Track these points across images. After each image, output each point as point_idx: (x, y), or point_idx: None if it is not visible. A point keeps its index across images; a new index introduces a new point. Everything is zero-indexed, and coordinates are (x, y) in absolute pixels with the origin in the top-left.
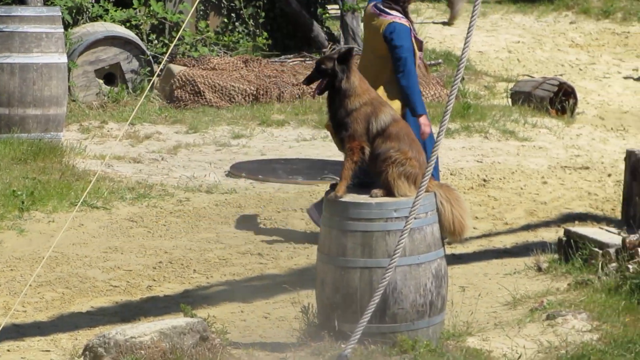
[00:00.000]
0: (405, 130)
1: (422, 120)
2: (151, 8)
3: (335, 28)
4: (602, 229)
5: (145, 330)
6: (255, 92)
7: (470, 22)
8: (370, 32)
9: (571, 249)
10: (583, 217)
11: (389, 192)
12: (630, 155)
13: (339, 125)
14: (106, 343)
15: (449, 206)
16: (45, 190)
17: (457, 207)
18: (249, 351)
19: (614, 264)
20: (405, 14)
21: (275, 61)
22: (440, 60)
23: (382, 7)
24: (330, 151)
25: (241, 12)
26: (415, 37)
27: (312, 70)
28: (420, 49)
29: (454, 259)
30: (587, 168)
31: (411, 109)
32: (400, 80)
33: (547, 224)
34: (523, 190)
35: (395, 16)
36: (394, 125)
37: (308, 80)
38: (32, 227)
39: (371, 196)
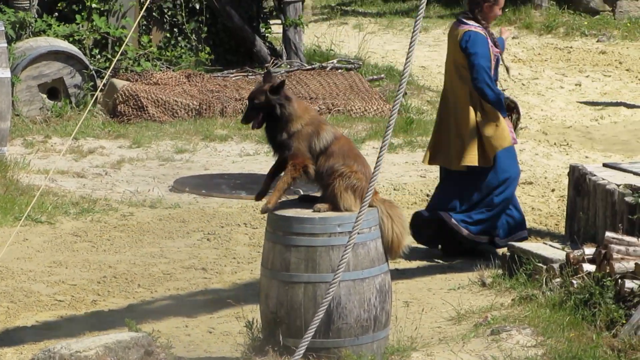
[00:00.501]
0: (348, 146)
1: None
2: (94, 23)
3: (278, 43)
4: (546, 244)
5: (90, 344)
6: (198, 106)
7: (411, 37)
8: (451, 45)
9: (515, 264)
10: (527, 232)
11: (335, 205)
12: (573, 170)
13: (280, 146)
14: (51, 357)
15: (390, 222)
16: None
17: (397, 224)
18: None
19: (558, 279)
20: (480, 23)
21: (218, 76)
22: (382, 76)
23: (461, 18)
24: None
25: (183, 27)
26: (495, 44)
27: (247, 107)
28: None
29: (397, 274)
30: (530, 183)
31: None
32: (474, 86)
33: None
34: None
35: (472, 25)
36: (335, 143)
37: (246, 119)
38: None
39: (314, 210)
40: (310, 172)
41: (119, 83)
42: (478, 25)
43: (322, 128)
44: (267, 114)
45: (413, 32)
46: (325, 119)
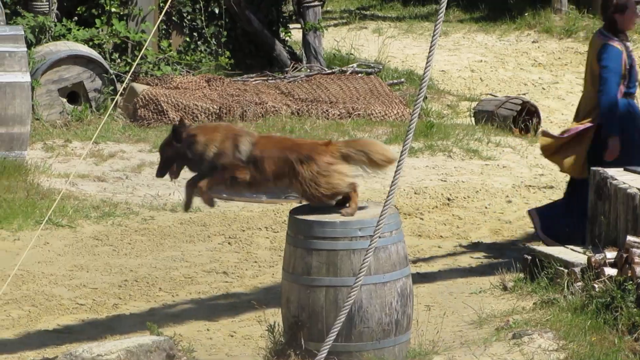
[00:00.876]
0: (271, 143)
1: (611, 141)
2: (114, 27)
3: (298, 47)
4: (567, 248)
5: (112, 348)
6: (218, 110)
7: (431, 41)
8: (590, 53)
9: (536, 268)
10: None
11: (349, 198)
12: (594, 175)
13: (209, 170)
14: None
15: (366, 157)
16: (10, 208)
17: (374, 153)
18: None
19: (579, 283)
20: (617, 35)
21: (238, 80)
22: (402, 80)
23: (602, 30)
24: None
25: (203, 31)
26: (629, 56)
27: (160, 161)
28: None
29: (419, 278)
30: (551, 187)
31: (603, 128)
32: (599, 98)
33: (512, 243)
34: (487, 209)
35: (610, 38)
36: (256, 150)
37: (160, 173)
38: None
39: (342, 215)
40: (242, 179)
41: (139, 87)
42: (616, 38)
43: (239, 140)
44: (181, 160)
45: (433, 36)
46: (240, 128)
